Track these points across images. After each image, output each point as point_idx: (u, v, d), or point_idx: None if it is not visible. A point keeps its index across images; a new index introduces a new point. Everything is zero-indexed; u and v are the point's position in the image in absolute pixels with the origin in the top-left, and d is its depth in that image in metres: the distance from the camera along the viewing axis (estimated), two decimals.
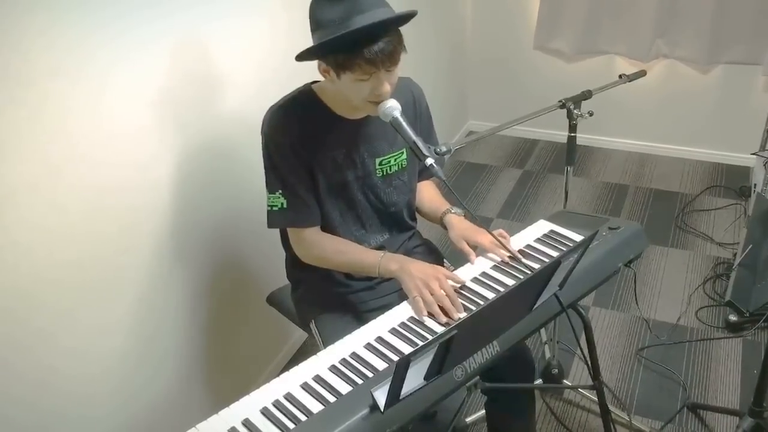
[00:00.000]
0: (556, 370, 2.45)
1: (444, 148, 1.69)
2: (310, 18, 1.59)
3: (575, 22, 3.93)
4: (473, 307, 1.61)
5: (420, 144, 1.61)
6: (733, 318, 2.76)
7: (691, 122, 4.03)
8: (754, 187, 3.44)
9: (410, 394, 1.32)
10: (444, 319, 1.56)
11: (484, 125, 4.53)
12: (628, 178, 3.98)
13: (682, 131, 4.08)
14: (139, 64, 1.82)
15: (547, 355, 2.56)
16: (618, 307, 2.95)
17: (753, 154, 3.51)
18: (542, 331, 2.67)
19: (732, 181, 3.84)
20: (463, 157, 4.23)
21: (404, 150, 1.86)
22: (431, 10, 3.69)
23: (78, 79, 1.64)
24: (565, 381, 2.53)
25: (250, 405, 1.37)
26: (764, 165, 3.25)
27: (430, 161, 1.60)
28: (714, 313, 2.88)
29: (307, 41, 1.58)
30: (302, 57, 1.60)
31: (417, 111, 1.88)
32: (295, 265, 1.93)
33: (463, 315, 1.58)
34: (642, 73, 2.23)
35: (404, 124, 1.62)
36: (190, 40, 2.00)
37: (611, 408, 2.02)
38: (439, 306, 1.58)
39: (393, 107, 1.62)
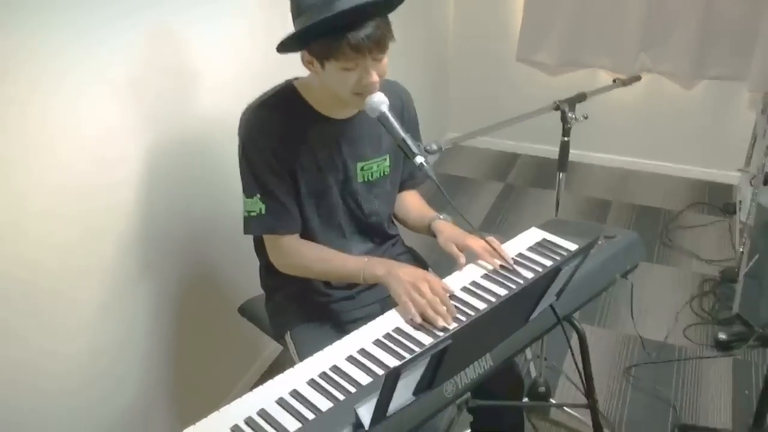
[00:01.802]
0: (543, 389, 2.34)
1: (435, 146, 1.58)
2: (291, 3, 1.48)
3: (559, 34, 3.87)
4: (463, 318, 1.49)
5: (409, 141, 1.50)
6: (722, 336, 2.68)
7: (674, 138, 3.99)
8: (740, 204, 3.39)
9: (398, 411, 1.20)
10: (441, 324, 1.44)
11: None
12: (610, 193, 3.91)
13: (664, 147, 4.04)
14: (107, 53, 1.68)
15: (533, 373, 2.45)
16: (604, 324, 2.85)
17: (738, 170, 3.46)
18: (527, 348, 2.55)
19: (715, 198, 3.79)
20: (443, 169, 4.13)
21: (387, 157, 1.75)
22: (412, 21, 3.60)
23: (38, 65, 1.50)
24: (551, 400, 2.42)
25: (220, 422, 1.23)
26: (750, 181, 3.20)
27: (420, 159, 1.49)
28: (702, 331, 2.79)
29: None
30: (284, 46, 1.49)
31: (405, 116, 1.77)
32: (269, 272, 1.80)
33: (453, 325, 1.46)
34: (637, 78, 2.16)
35: (392, 119, 1.51)
36: (163, 30, 1.87)
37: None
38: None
39: (380, 101, 1.51)
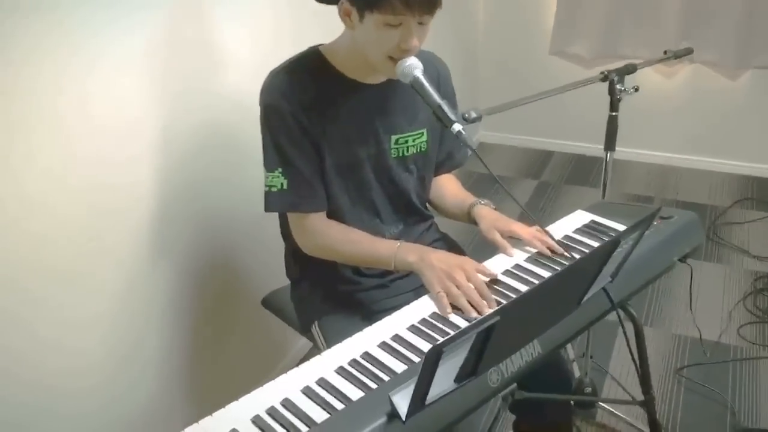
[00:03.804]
0: (590, 389, 2.17)
1: (474, 114, 1.45)
2: None
3: (594, 25, 3.72)
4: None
5: (446, 108, 1.37)
6: None
7: (717, 131, 3.80)
8: None
9: (438, 399, 1.06)
10: (474, 314, 1.30)
11: (494, 135, 4.30)
12: (652, 189, 3.73)
13: (707, 141, 3.85)
14: (123, 23, 1.57)
15: (577, 373, 2.29)
16: (650, 323, 2.68)
17: None
18: (569, 347, 2.39)
19: (763, 193, 3.60)
20: (475, 167, 3.98)
21: (424, 131, 1.62)
22: (441, 15, 3.47)
23: (48, 29, 1.39)
24: (599, 403, 2.25)
25: (240, 412, 1.11)
26: None
27: (458, 127, 1.36)
28: (758, 331, 2.61)
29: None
30: None
31: (441, 90, 1.64)
32: (296, 258, 1.67)
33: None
34: (689, 51, 2.01)
35: (427, 84, 1.39)
36: (186, 2, 1.77)
37: None
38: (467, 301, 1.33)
39: (414, 65, 1.39)
